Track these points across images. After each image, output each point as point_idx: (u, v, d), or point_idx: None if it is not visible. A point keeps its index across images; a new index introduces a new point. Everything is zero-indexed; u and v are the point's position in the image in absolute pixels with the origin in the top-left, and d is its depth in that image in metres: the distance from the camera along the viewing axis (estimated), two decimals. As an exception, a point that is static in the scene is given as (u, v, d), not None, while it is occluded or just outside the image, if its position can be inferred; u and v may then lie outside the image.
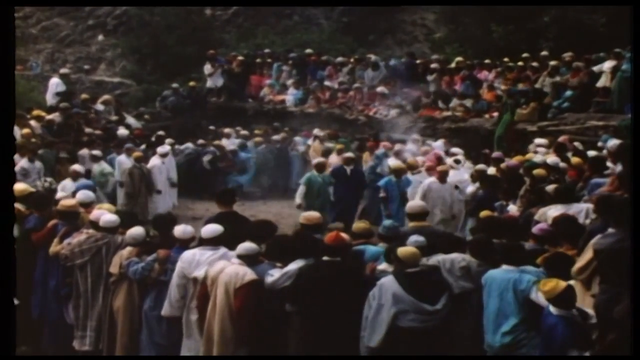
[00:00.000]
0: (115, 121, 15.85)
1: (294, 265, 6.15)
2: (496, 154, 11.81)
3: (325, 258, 6.12)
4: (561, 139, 11.70)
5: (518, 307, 5.60)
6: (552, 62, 15.26)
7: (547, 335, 5.30)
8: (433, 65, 17.53)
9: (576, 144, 11.60)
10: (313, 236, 6.62)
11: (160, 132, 15.45)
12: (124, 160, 13.12)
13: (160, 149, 13.71)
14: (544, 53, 16.73)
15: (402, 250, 5.95)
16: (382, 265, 6.27)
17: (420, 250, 6.16)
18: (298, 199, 11.69)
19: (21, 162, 11.42)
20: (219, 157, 15.34)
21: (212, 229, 6.66)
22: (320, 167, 11.99)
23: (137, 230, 6.97)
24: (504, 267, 5.80)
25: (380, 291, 5.79)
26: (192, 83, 19.47)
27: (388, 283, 5.81)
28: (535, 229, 6.67)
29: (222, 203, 8.22)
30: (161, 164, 13.49)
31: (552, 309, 5.28)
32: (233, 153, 15.67)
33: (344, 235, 6.44)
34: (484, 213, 7.90)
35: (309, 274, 6.04)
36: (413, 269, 5.88)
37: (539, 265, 5.88)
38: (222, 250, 6.58)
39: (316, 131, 16.35)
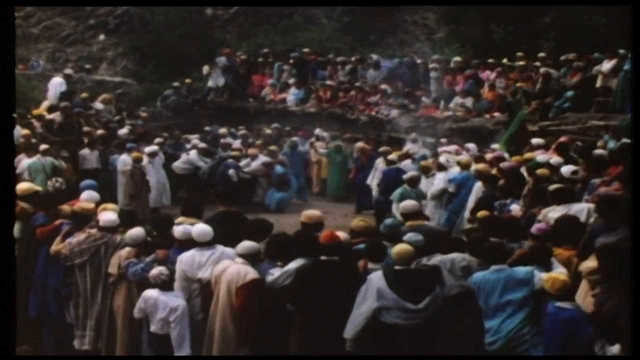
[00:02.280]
0: (115, 120, 15.82)
1: (294, 264, 6.16)
2: (497, 153, 11.75)
3: (322, 257, 6.13)
4: (563, 139, 11.67)
5: (520, 302, 5.63)
6: (542, 70, 15.28)
7: (567, 331, 5.31)
8: (434, 65, 17.54)
9: (578, 143, 11.58)
10: (312, 235, 6.60)
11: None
12: (127, 160, 12.98)
13: (148, 149, 13.53)
14: (542, 54, 16.73)
15: (396, 248, 5.98)
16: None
17: (417, 248, 6.19)
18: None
19: (22, 162, 11.43)
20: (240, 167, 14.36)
21: (203, 231, 6.63)
22: (413, 182, 10.98)
23: (136, 231, 6.95)
24: (493, 267, 5.82)
25: (367, 285, 5.84)
26: (188, 80, 19.46)
27: (375, 278, 5.86)
28: (534, 229, 6.67)
29: (222, 202, 8.21)
30: (147, 163, 13.19)
31: (565, 304, 5.32)
32: (268, 166, 14.62)
33: (339, 233, 6.43)
34: (481, 213, 7.89)
35: (307, 273, 6.06)
36: (402, 267, 5.91)
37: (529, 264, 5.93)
38: (220, 248, 6.58)
39: (318, 131, 16.33)
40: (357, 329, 5.79)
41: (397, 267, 5.92)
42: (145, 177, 12.85)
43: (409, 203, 7.80)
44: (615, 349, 5.03)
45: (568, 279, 5.54)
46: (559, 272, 5.68)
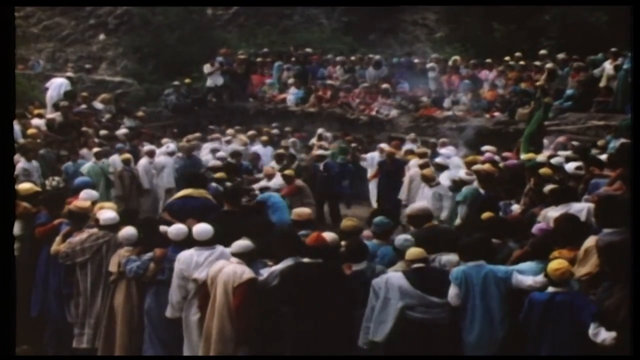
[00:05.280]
0: (112, 120, 15.78)
1: (281, 265, 6.18)
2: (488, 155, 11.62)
3: (305, 260, 6.11)
4: (561, 139, 11.65)
5: (502, 300, 5.68)
6: (549, 65, 15.24)
7: (566, 314, 5.30)
8: (432, 65, 17.53)
9: (574, 143, 11.54)
10: (296, 234, 6.61)
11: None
12: (117, 162, 12.60)
13: (145, 148, 13.24)
14: (543, 52, 16.72)
15: (410, 251, 6.03)
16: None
17: (429, 248, 6.19)
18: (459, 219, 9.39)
19: (21, 163, 11.40)
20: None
21: (203, 230, 6.62)
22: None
23: (128, 231, 6.96)
24: (471, 263, 5.85)
25: (387, 286, 5.84)
26: (187, 80, 19.43)
27: (395, 278, 5.87)
28: (534, 229, 6.67)
29: (227, 201, 8.19)
30: (148, 163, 12.77)
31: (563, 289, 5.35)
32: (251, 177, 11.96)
33: (325, 235, 6.41)
34: (485, 215, 7.78)
35: (290, 275, 6.07)
36: (420, 264, 5.94)
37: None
38: (219, 249, 6.58)
39: (321, 131, 16.22)
40: (387, 331, 5.79)
41: (415, 266, 5.95)
42: (135, 179, 12.38)
43: (419, 206, 7.68)
44: (609, 335, 5.02)
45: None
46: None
